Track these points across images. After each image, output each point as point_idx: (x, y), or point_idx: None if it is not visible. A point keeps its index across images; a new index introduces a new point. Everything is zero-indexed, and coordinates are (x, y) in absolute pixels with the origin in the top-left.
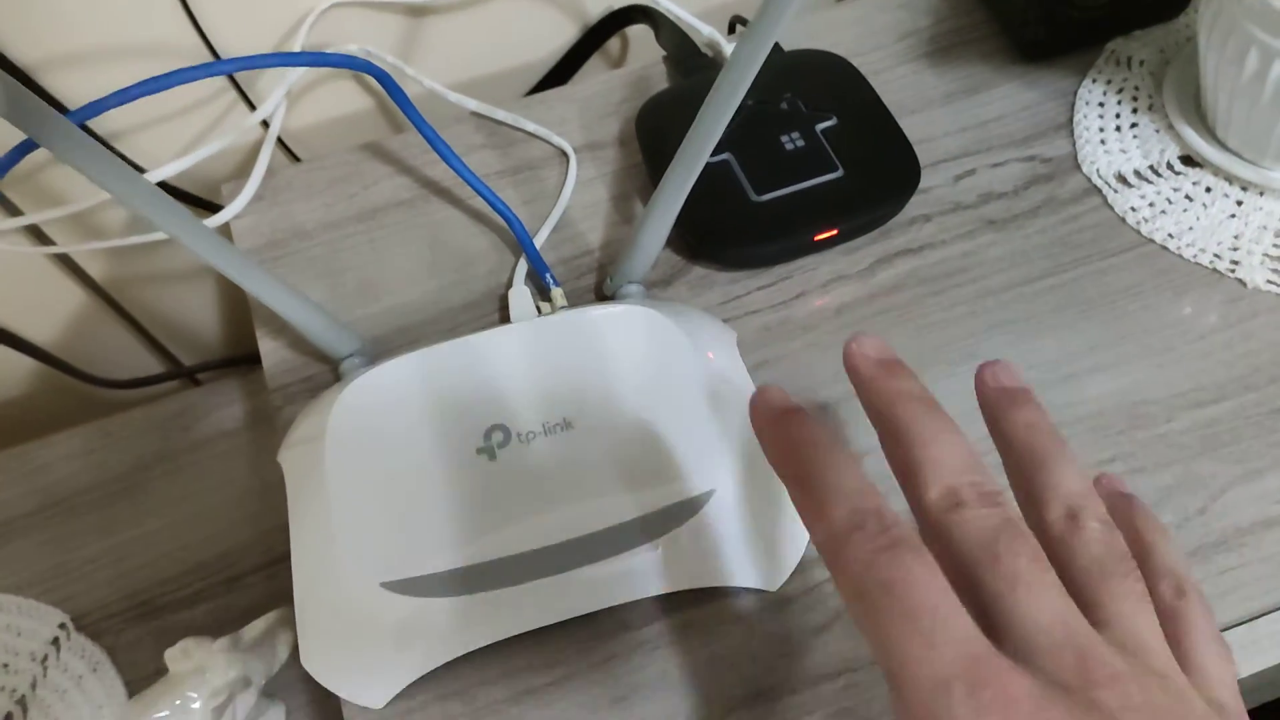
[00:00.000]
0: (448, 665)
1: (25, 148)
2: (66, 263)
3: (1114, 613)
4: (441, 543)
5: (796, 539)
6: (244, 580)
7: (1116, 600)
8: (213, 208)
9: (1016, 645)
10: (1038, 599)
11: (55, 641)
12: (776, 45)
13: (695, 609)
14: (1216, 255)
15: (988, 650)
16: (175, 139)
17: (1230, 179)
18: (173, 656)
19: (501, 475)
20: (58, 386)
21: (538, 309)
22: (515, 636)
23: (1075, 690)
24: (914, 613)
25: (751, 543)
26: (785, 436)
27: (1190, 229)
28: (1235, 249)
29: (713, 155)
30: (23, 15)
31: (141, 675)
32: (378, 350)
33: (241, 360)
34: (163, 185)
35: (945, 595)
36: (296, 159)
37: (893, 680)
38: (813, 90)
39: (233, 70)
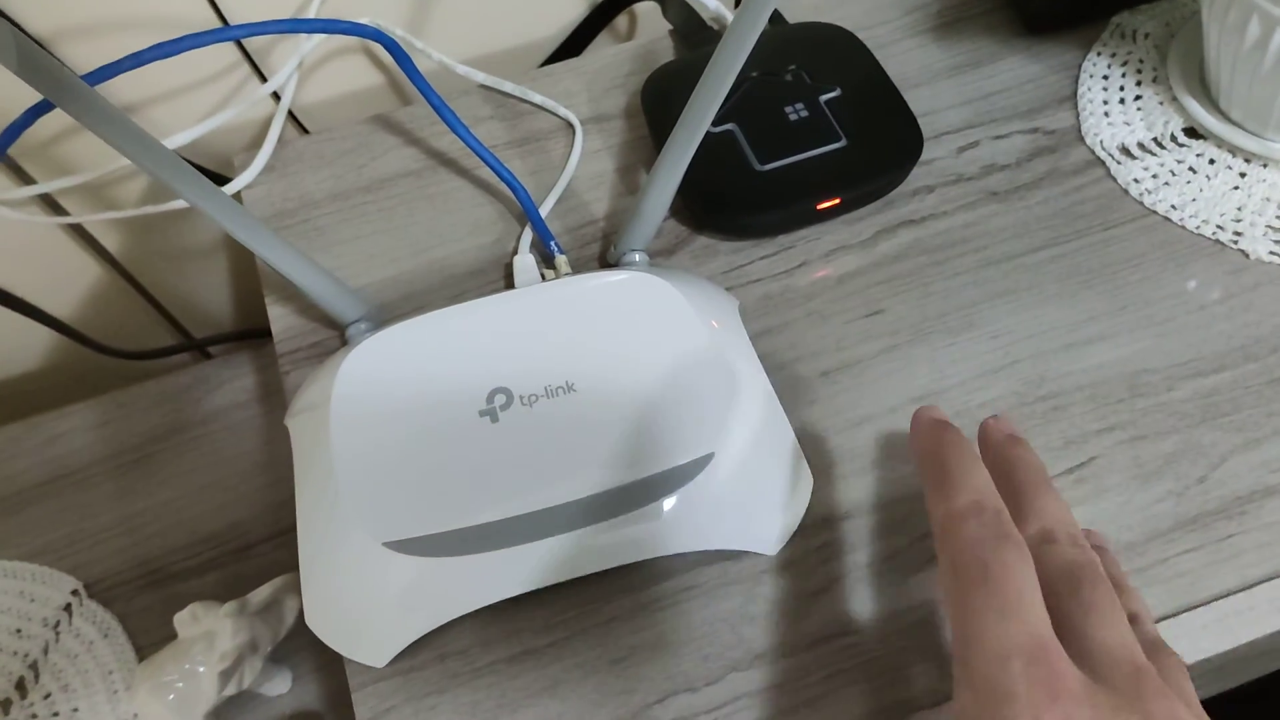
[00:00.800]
0: (449, 625)
1: (38, 111)
2: (80, 233)
3: (1166, 672)
4: (443, 504)
5: (795, 504)
6: (253, 550)
7: (1168, 667)
8: (223, 182)
9: (1080, 654)
10: (1108, 625)
11: (68, 607)
12: (781, 18)
13: (695, 572)
14: (1219, 227)
15: (1053, 641)
16: (188, 112)
17: (1233, 151)
18: (181, 621)
19: (504, 437)
20: (71, 358)
21: (542, 276)
22: (516, 597)
23: (1127, 696)
24: (999, 593)
25: (751, 507)
26: (936, 436)
27: (1193, 201)
28: (1238, 220)
29: (717, 125)
30: None
31: (152, 641)
32: (384, 316)
33: (252, 334)
34: None
35: (1031, 589)
36: (307, 133)
37: (963, 648)
38: (817, 62)
39: (244, 35)
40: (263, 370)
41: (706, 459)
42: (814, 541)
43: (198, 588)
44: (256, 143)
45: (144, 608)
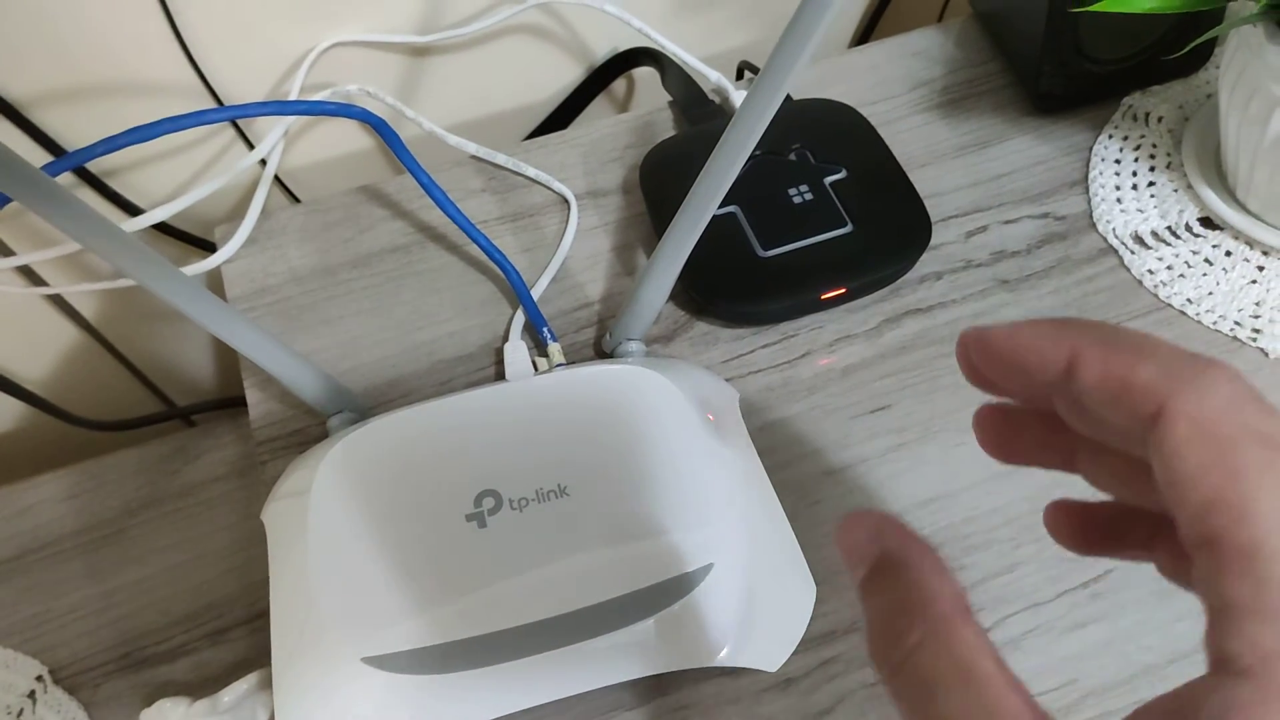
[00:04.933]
0: None
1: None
2: (59, 303)
3: None
4: (426, 617)
5: (797, 616)
6: (228, 634)
7: None
8: (210, 247)
9: None
10: None
11: (31, 695)
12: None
13: (692, 689)
14: (1237, 323)
15: None
16: (173, 176)
17: (1251, 243)
18: (149, 718)
19: (492, 544)
20: (46, 426)
21: (534, 365)
22: (502, 717)
23: None
24: None
25: (751, 621)
26: None
27: (1210, 294)
28: (1256, 316)
29: (720, 207)
30: (17, 50)
31: None
32: (368, 404)
33: (237, 402)
34: (159, 226)
35: None
36: (296, 199)
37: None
38: (821, 141)
39: (223, 119)
40: (244, 441)
41: (705, 570)
42: (818, 657)
43: (168, 674)
44: (244, 208)
45: (112, 695)
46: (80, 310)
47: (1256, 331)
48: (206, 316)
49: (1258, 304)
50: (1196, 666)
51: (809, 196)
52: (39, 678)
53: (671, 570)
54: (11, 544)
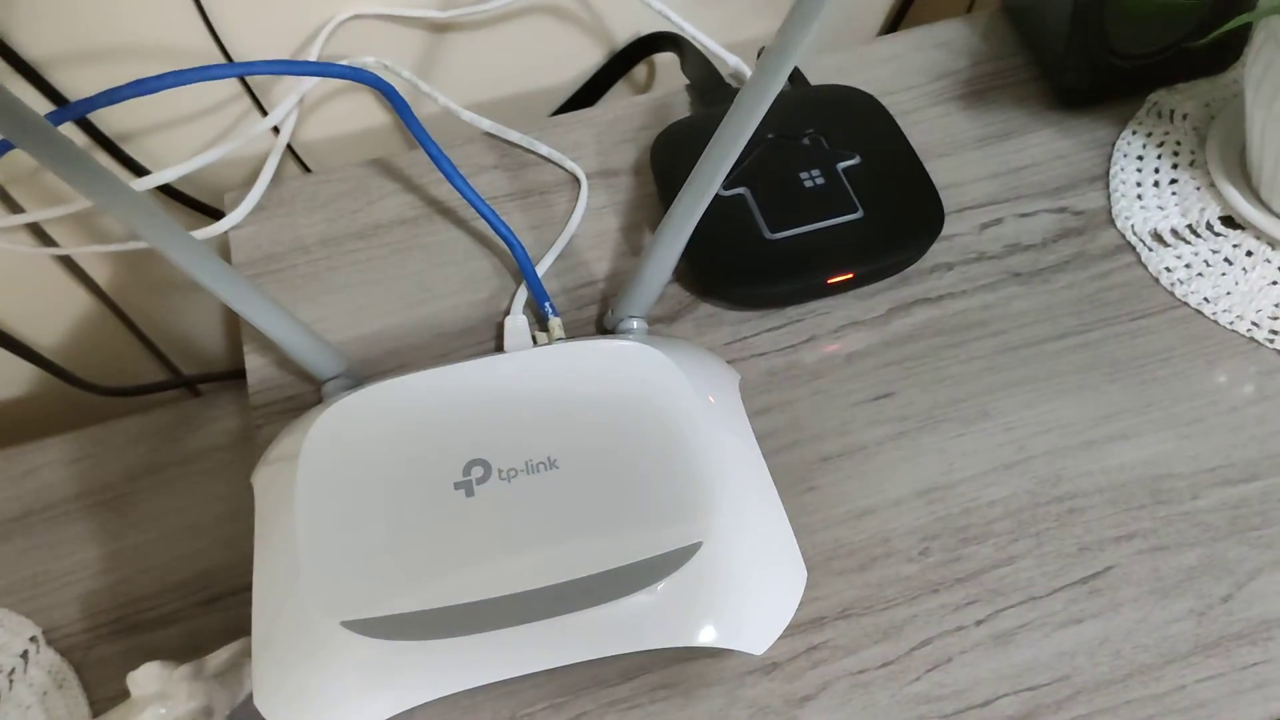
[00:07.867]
0: (408, 712)
1: (8, 144)
2: (69, 265)
3: None
4: (408, 582)
5: (786, 600)
6: (221, 603)
7: None
8: (219, 214)
9: None
10: None
11: (24, 655)
12: (803, 79)
13: (675, 668)
14: (1255, 324)
15: None
16: (186, 142)
17: (1273, 243)
18: (135, 681)
19: (478, 513)
20: (53, 389)
21: (534, 339)
22: (481, 687)
23: None
24: None
25: (738, 602)
26: None
27: (1228, 294)
28: (1275, 318)
29: (728, 189)
30: (34, 11)
31: (107, 695)
32: (365, 373)
33: (244, 374)
34: (166, 189)
35: None
36: (309, 171)
37: None
38: (837, 127)
39: (232, 75)
40: (247, 411)
41: (694, 548)
42: (804, 642)
43: (160, 639)
44: (254, 178)
45: (103, 658)
46: (91, 274)
47: (1274, 333)
48: (203, 272)
49: (1277, 305)
50: (1192, 669)
51: (820, 181)
52: (32, 639)
53: (658, 547)
54: (15, 504)
